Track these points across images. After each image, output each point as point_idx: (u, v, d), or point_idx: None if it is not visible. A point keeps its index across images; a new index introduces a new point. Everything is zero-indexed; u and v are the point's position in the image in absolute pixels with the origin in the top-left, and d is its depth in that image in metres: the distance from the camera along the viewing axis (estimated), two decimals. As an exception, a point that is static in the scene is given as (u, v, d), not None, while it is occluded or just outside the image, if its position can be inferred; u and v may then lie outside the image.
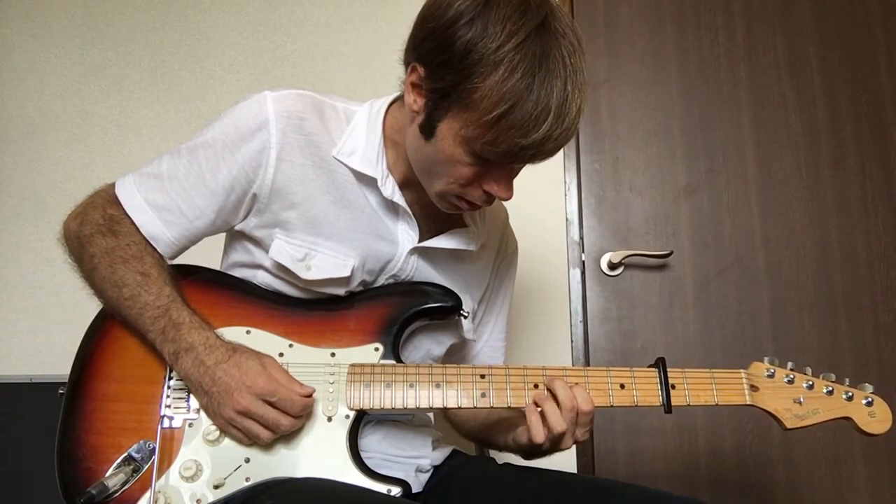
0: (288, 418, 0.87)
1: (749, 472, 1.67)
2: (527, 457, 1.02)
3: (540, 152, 0.84)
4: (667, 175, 1.82)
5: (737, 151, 1.83)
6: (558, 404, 0.90)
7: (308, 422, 0.91)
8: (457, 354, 1.14)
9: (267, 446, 0.89)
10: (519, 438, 0.97)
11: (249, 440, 0.88)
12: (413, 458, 1.03)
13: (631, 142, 1.83)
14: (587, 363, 1.71)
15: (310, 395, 0.89)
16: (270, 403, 0.86)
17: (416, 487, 1.01)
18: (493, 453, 1.24)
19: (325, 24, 1.88)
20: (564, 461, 1.63)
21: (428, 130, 0.89)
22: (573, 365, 1.70)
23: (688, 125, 1.84)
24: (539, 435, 0.90)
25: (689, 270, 1.77)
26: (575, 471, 1.64)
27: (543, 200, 1.76)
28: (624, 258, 1.73)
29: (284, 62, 1.86)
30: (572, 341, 1.72)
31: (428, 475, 1.05)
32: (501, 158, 0.86)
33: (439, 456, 1.08)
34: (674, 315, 1.75)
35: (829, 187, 1.82)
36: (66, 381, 0.93)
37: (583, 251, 1.77)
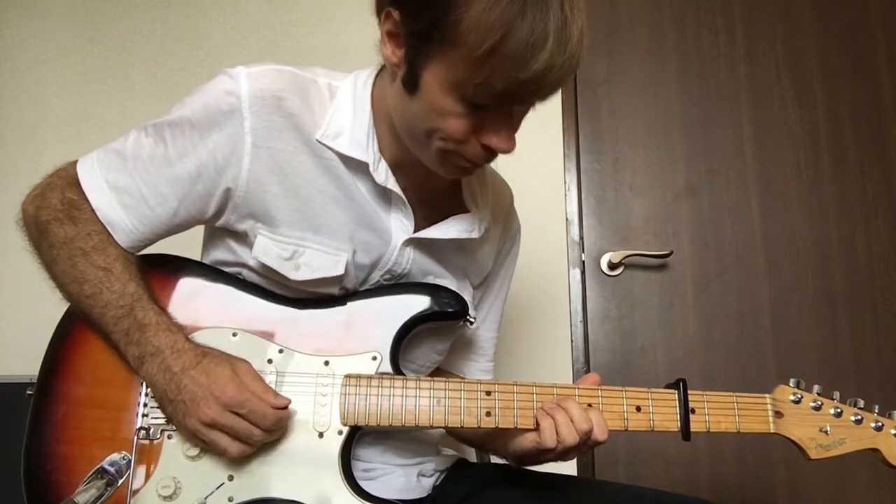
0: (259, 430, 0.79)
1: (749, 473, 1.67)
2: (521, 462, 0.96)
3: (542, 87, 0.73)
4: (667, 175, 1.82)
5: (737, 151, 1.83)
6: (571, 419, 0.84)
7: (297, 437, 0.84)
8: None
9: (252, 464, 0.82)
10: (520, 443, 0.90)
11: (218, 454, 0.80)
12: (416, 465, 1.00)
13: (631, 142, 1.83)
14: (587, 363, 1.71)
15: (285, 407, 0.81)
16: (240, 415, 0.78)
17: (418, 493, 0.98)
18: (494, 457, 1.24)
19: (325, 24, 1.88)
20: (564, 463, 1.63)
21: (411, 83, 0.78)
22: (573, 366, 1.70)
23: (688, 125, 1.84)
24: (551, 440, 0.84)
25: (689, 270, 1.77)
26: (575, 473, 1.63)
27: (543, 200, 1.76)
28: (624, 258, 1.73)
29: (284, 62, 1.86)
30: (572, 341, 1.72)
31: (431, 480, 1.02)
32: (498, 101, 0.74)
33: (442, 461, 1.05)
34: (674, 315, 1.74)
35: (829, 187, 1.82)
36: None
37: (583, 251, 1.77)
